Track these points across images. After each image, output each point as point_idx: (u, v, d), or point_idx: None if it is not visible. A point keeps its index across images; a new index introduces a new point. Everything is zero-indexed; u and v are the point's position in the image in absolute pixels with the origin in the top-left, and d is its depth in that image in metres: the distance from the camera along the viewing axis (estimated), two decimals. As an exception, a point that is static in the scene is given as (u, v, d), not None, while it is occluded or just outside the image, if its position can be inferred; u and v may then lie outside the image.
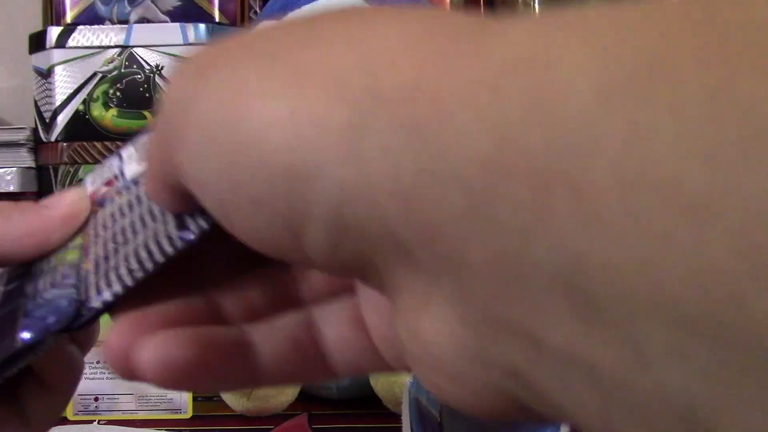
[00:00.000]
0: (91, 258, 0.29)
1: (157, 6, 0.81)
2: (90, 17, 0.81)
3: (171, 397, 0.72)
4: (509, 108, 0.15)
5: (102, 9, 0.81)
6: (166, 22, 0.80)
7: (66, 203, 0.33)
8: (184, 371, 0.25)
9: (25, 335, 0.28)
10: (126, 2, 0.81)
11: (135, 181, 0.31)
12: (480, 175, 0.15)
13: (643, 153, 0.13)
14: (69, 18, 0.81)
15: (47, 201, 0.33)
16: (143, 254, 0.27)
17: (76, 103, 0.79)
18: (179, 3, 0.81)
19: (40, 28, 0.83)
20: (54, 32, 0.80)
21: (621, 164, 0.14)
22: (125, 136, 0.79)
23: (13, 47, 0.97)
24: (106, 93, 0.79)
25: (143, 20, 0.81)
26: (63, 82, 0.80)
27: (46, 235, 0.32)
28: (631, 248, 0.14)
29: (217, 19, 0.81)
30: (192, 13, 0.81)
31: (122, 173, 0.32)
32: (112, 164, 0.33)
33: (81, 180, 0.35)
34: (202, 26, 0.79)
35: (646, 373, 0.14)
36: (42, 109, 0.82)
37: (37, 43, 0.82)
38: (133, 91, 0.79)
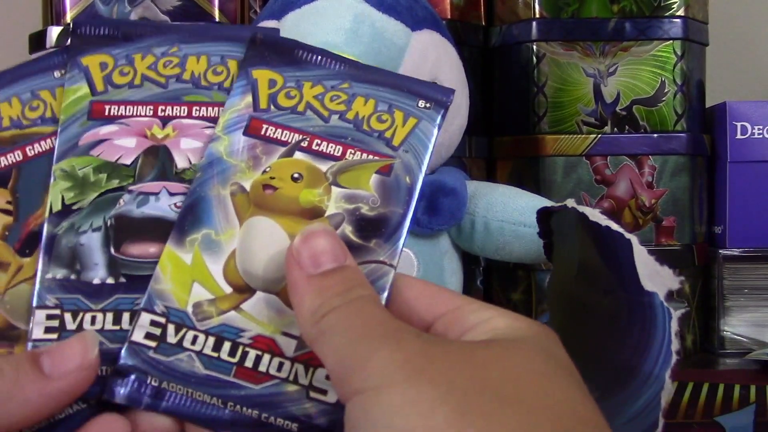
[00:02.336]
0: None
1: (157, 6, 0.81)
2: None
3: None
4: None
5: (102, 9, 0.81)
6: (166, 21, 0.80)
7: (73, 367, 0.31)
8: None
9: None
10: (126, 2, 0.81)
11: None
12: None
13: None
14: (69, 18, 0.81)
15: (50, 357, 0.31)
16: None
17: (76, 103, 0.79)
18: (179, 3, 0.81)
19: (40, 28, 0.83)
20: (54, 32, 0.80)
21: None
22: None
23: (13, 47, 0.97)
24: (106, 93, 0.79)
25: (143, 20, 0.81)
26: (63, 82, 0.80)
27: (43, 409, 0.31)
28: None
29: (217, 19, 0.81)
30: (192, 13, 0.81)
31: None
32: None
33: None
34: (202, 26, 0.79)
35: None
36: (42, 108, 0.82)
37: (37, 43, 0.81)
38: (133, 91, 0.79)
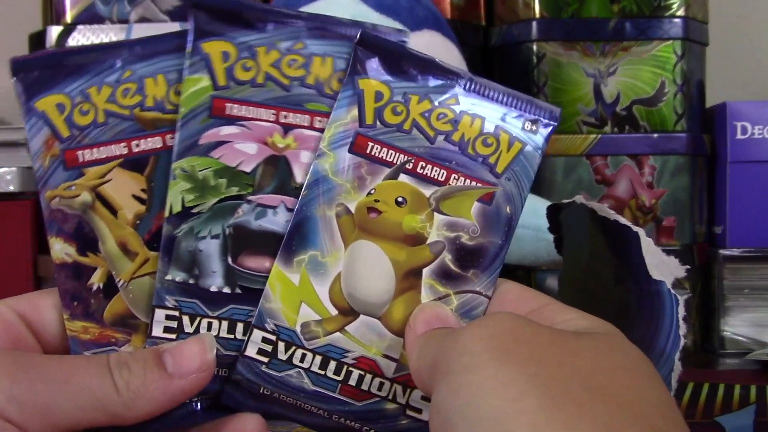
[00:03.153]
0: None
1: (157, 6, 0.81)
2: (90, 17, 0.81)
3: None
4: None
5: (102, 9, 0.81)
6: (166, 21, 0.80)
7: (194, 368, 0.32)
8: None
9: None
10: (126, 2, 0.81)
11: None
12: None
13: None
14: (69, 18, 0.81)
15: (172, 357, 0.32)
16: None
17: (76, 103, 0.79)
18: (179, 3, 0.81)
19: (40, 28, 0.83)
20: (54, 32, 0.80)
21: None
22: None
23: (13, 47, 0.97)
24: (106, 93, 0.79)
25: (143, 20, 0.81)
26: (63, 82, 0.80)
27: (163, 406, 0.32)
28: None
29: (217, 19, 0.81)
30: (192, 13, 0.81)
31: None
32: None
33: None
34: (202, 26, 0.79)
35: None
36: (42, 109, 0.82)
37: (37, 43, 0.81)
38: (133, 91, 0.79)
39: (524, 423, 0.26)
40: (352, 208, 0.34)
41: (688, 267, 0.41)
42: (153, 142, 0.35)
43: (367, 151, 0.35)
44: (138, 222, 0.35)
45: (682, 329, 0.40)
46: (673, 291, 0.40)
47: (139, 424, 0.33)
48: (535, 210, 0.69)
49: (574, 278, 0.50)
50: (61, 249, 0.35)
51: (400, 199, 0.35)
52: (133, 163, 0.35)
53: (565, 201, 0.46)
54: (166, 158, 0.35)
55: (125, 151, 0.35)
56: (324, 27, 0.35)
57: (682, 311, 0.40)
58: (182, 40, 0.35)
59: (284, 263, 0.34)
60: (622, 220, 0.41)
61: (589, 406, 0.27)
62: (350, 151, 0.34)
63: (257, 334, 0.34)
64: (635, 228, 0.41)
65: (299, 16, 0.35)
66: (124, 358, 0.32)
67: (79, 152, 0.35)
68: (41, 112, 0.34)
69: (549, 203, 0.70)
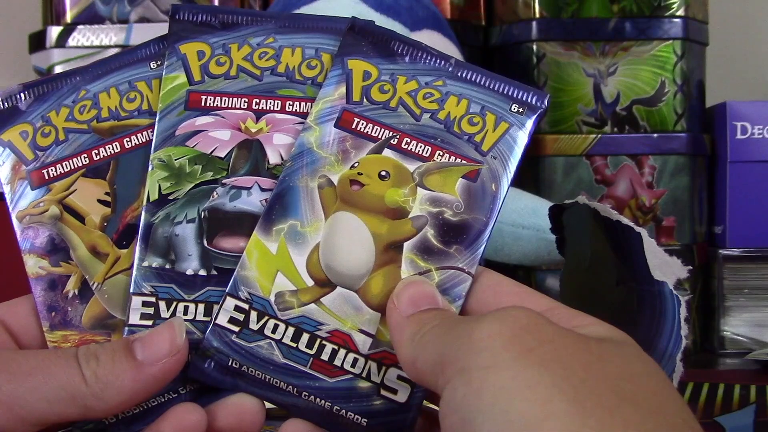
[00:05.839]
0: None
1: (157, 6, 0.81)
2: (90, 17, 0.81)
3: None
4: None
5: (102, 9, 0.81)
6: (166, 22, 0.80)
7: (163, 353, 0.32)
8: None
9: None
10: (126, 2, 0.81)
11: None
12: None
13: None
14: (69, 18, 0.81)
15: (141, 344, 0.32)
16: None
17: (75, 103, 0.79)
18: (179, 3, 0.81)
19: (40, 27, 0.83)
20: (54, 32, 0.80)
21: None
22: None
23: (13, 47, 0.97)
24: (105, 93, 0.79)
25: (143, 20, 0.81)
26: (63, 82, 0.80)
27: (135, 396, 0.32)
28: None
29: (217, 19, 0.81)
30: (192, 13, 0.81)
31: None
32: None
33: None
34: (201, 26, 0.79)
35: None
36: (42, 109, 0.82)
37: (37, 42, 0.82)
38: (133, 91, 0.79)
39: (555, 428, 0.25)
40: (335, 180, 0.35)
41: (691, 268, 0.40)
42: (112, 148, 0.37)
43: (353, 126, 0.35)
44: (105, 224, 0.36)
45: (684, 330, 0.40)
46: (675, 292, 0.40)
47: (130, 419, 0.33)
48: (535, 210, 0.69)
49: (575, 279, 0.50)
50: (34, 264, 0.36)
51: (383, 173, 0.35)
52: (95, 170, 0.37)
53: (568, 201, 0.45)
54: (126, 160, 0.36)
55: (86, 161, 0.37)
56: (293, 23, 0.37)
57: (684, 312, 0.40)
58: (131, 56, 0.38)
59: (263, 231, 0.34)
60: (625, 221, 0.41)
61: (620, 412, 0.26)
62: (336, 125, 0.35)
63: (230, 302, 0.34)
64: (638, 228, 0.41)
65: (270, 15, 0.37)
66: (93, 350, 0.32)
67: (44, 171, 0.36)
68: (7, 142, 0.36)
69: (549, 203, 0.70)
